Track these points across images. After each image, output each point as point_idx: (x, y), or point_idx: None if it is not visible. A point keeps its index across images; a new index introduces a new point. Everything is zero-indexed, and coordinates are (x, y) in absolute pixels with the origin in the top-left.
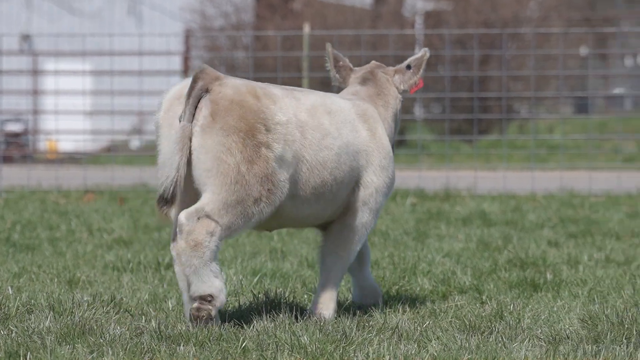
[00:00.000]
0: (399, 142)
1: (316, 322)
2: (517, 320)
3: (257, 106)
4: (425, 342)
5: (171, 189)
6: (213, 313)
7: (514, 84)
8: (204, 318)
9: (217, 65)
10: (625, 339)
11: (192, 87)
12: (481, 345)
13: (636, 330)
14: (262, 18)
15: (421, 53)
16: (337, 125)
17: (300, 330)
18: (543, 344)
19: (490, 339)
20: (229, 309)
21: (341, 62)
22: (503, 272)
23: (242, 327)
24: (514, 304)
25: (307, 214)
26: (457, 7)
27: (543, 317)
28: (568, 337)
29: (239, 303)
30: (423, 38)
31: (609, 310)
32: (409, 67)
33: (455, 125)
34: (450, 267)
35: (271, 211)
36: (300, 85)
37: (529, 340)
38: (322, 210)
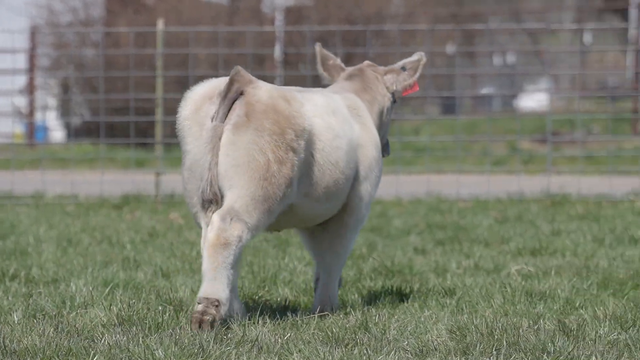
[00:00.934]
0: None
1: (172, 335)
2: (383, 332)
3: (288, 111)
4: (286, 355)
5: (209, 188)
6: (217, 320)
7: None
8: (206, 322)
9: (65, 63)
10: (495, 350)
11: (228, 89)
12: (345, 357)
13: (506, 341)
14: (113, 13)
15: (417, 57)
16: (341, 123)
17: (155, 343)
18: (410, 356)
19: (355, 352)
20: (77, 322)
21: (331, 61)
22: (368, 281)
23: (93, 341)
24: (379, 315)
25: (319, 212)
26: (319, 3)
27: (410, 328)
28: (436, 349)
29: (90, 315)
30: (283, 35)
31: (478, 321)
32: (403, 68)
33: None
34: (312, 277)
35: (281, 211)
36: (154, 85)
37: (395, 353)
38: (331, 207)
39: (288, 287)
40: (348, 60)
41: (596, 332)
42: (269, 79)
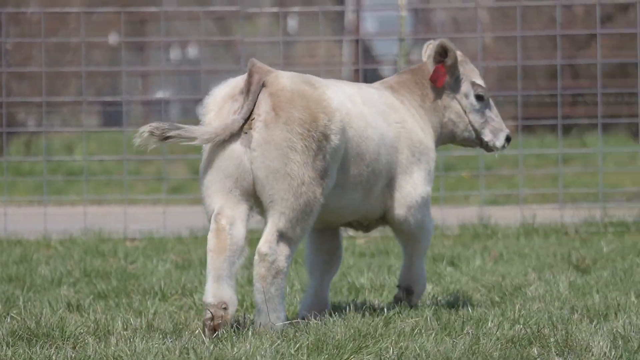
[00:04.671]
0: None
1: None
2: None
3: (317, 94)
4: None
5: (176, 134)
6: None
7: (17, 84)
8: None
9: None
10: None
11: (249, 82)
12: None
13: None
14: None
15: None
16: (374, 115)
17: None
18: None
19: None
20: None
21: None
22: (4, 348)
23: None
24: None
25: (344, 204)
26: None
27: None
28: None
29: None
30: None
31: None
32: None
33: None
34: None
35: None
36: None
37: None
38: (358, 202)
39: None
40: None
41: None
42: None
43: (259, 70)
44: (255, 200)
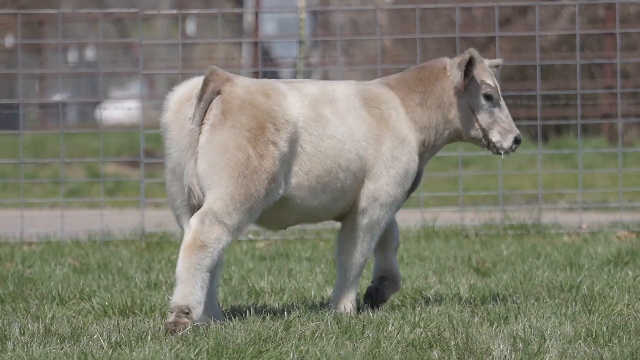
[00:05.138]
0: None
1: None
2: None
3: (267, 105)
4: None
5: (191, 196)
6: (188, 327)
7: None
8: (179, 331)
9: None
10: None
11: (203, 90)
12: None
13: None
14: None
15: (466, 55)
16: (340, 113)
17: None
18: None
19: None
20: None
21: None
22: None
23: None
24: None
25: (315, 205)
26: None
27: None
28: None
29: None
30: None
31: None
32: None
33: None
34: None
35: (265, 207)
36: None
37: None
38: (331, 201)
39: None
40: None
41: None
42: None
43: (216, 78)
44: None
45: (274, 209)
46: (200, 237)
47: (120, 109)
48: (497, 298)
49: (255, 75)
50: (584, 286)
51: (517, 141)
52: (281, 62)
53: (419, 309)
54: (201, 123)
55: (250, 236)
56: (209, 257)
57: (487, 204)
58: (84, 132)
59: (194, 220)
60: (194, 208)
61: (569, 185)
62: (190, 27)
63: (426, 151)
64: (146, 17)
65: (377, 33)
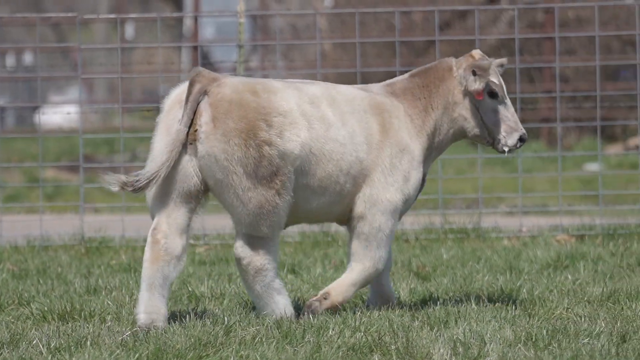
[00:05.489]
0: None
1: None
2: None
3: (256, 102)
4: None
5: (146, 182)
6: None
7: None
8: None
9: None
10: None
11: (189, 92)
12: None
13: None
14: None
15: (487, 62)
16: (343, 115)
17: None
18: None
19: None
20: None
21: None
22: None
23: None
24: None
25: (315, 207)
26: None
27: None
28: None
29: None
30: None
31: None
32: (474, 72)
33: None
34: None
35: (288, 206)
36: None
37: None
38: (330, 203)
39: None
40: None
41: None
42: None
43: (202, 79)
44: (197, 202)
45: None
46: (252, 266)
47: (59, 114)
48: (438, 302)
49: None
50: (524, 290)
51: (522, 139)
52: (221, 66)
53: (359, 313)
54: (189, 124)
55: (190, 241)
56: (267, 273)
57: (427, 208)
58: (23, 136)
59: (236, 252)
60: (138, 189)
61: (509, 189)
62: (129, 31)
63: (431, 153)
64: (84, 21)
65: (316, 37)
